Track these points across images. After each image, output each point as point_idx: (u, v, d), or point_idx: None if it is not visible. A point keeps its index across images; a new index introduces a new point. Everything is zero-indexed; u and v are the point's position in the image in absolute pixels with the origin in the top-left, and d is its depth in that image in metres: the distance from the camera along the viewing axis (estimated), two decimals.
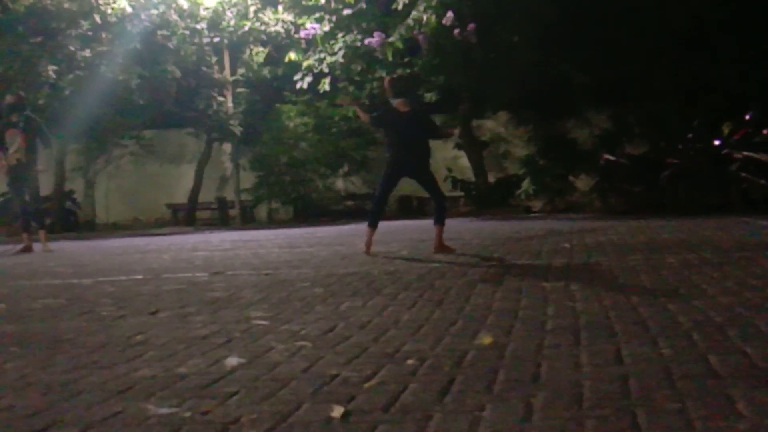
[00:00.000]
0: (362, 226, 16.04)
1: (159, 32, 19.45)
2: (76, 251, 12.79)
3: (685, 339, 3.56)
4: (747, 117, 14.79)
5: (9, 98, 12.73)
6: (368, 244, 8.89)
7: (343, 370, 3.29)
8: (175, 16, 19.58)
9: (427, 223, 16.70)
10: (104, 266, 9.41)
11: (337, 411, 2.68)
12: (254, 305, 5.35)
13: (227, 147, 22.69)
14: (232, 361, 3.58)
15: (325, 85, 19.23)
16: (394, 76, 9.80)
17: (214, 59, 21.01)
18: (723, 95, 16.33)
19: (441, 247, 8.75)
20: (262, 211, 23.07)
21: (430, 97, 19.17)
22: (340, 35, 19.10)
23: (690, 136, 15.74)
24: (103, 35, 18.91)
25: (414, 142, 8.88)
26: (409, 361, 3.39)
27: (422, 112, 9.57)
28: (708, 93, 16.59)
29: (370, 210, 9.39)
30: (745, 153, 14.27)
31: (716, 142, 15.16)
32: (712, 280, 5.43)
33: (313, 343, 3.91)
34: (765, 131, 14.33)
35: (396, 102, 8.94)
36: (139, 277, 7.75)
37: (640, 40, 16.80)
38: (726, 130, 15.17)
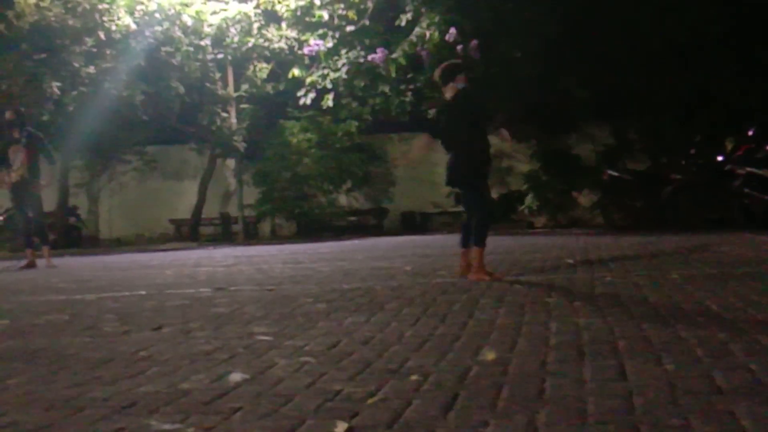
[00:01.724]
0: (367, 242, 16.05)
1: (163, 49, 19.50)
2: (80, 267, 12.80)
3: (689, 355, 3.56)
4: (749, 132, 14.79)
5: (8, 114, 12.73)
6: (481, 266, 7.44)
7: (347, 386, 3.28)
8: (179, 33, 19.64)
9: (430, 239, 16.78)
10: (107, 282, 9.42)
11: (341, 427, 2.68)
12: (257, 321, 5.35)
13: (231, 162, 22.73)
14: (236, 377, 3.58)
15: (329, 101, 19.30)
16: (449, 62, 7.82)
17: (217, 75, 21.05)
18: (724, 110, 16.35)
19: (481, 270, 7.44)
20: (265, 227, 23.08)
21: (433, 113, 19.20)
22: (343, 51, 19.17)
23: (692, 151, 15.75)
24: (107, 52, 18.95)
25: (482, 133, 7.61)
26: (413, 377, 3.39)
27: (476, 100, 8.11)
28: (709, 107, 16.61)
29: (485, 225, 7.56)
30: (748, 168, 14.27)
31: (719, 158, 15.16)
32: (715, 295, 5.43)
33: (316, 359, 3.90)
34: (767, 147, 14.33)
35: (461, 80, 7.49)
36: (143, 292, 7.75)
37: (640, 55, 16.84)
38: (729, 146, 15.18)
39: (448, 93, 7.46)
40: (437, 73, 7.64)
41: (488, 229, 7.51)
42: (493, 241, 14.45)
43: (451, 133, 7.39)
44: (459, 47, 17.21)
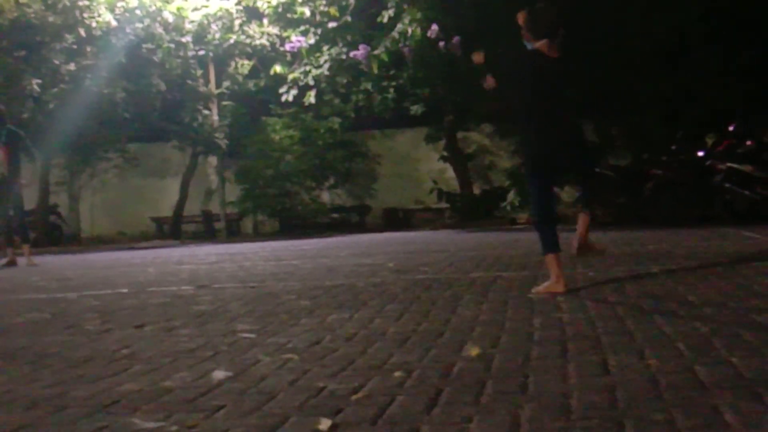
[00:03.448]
0: (349, 239, 16.02)
1: (144, 46, 19.43)
2: (61, 265, 12.73)
3: (671, 350, 3.57)
4: (730, 128, 14.87)
5: None
6: (558, 277, 5.79)
7: (330, 383, 3.28)
8: (160, 30, 19.57)
9: (413, 235, 16.80)
10: (89, 280, 9.37)
11: (324, 424, 2.67)
12: (240, 318, 5.34)
13: (213, 160, 22.69)
14: (219, 374, 3.57)
15: (311, 97, 19.29)
16: (534, 7, 6.09)
17: (199, 72, 20.99)
18: (706, 107, 16.42)
19: (586, 245, 6.21)
20: (247, 224, 23.06)
21: (415, 109, 19.23)
22: (325, 48, 19.15)
23: (674, 147, 15.81)
24: (88, 49, 18.87)
25: (566, 106, 6.11)
26: (397, 374, 3.39)
27: (573, 63, 6.55)
28: (691, 105, 16.67)
29: (538, 225, 6.03)
30: (729, 164, 14.33)
31: (700, 154, 15.23)
32: (696, 290, 5.45)
33: (299, 356, 3.90)
34: (748, 142, 14.41)
35: (540, 44, 5.91)
36: (125, 290, 7.71)
37: (622, 53, 16.88)
38: (710, 142, 15.25)
39: (532, 45, 5.99)
40: (523, 19, 6.04)
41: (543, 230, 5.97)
42: (476, 237, 14.54)
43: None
44: (441, 44, 17.22)
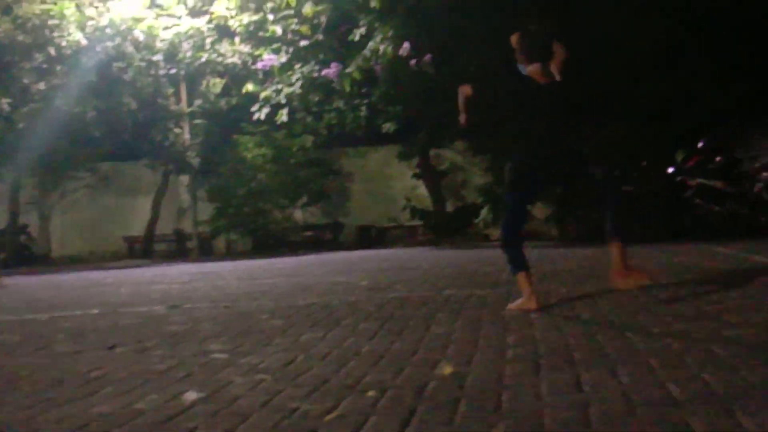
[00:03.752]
0: (323, 257, 15.99)
1: (115, 64, 19.37)
2: (31, 286, 12.61)
3: (644, 366, 3.58)
4: (700, 144, 15.00)
5: None
6: (529, 294, 5.83)
7: (303, 403, 3.26)
8: (131, 48, 19.52)
9: (387, 253, 16.79)
10: (60, 301, 9.29)
11: None
12: (213, 338, 5.31)
13: (184, 179, 22.61)
14: (191, 395, 3.54)
15: (283, 116, 19.29)
16: (527, 29, 6.22)
17: (170, 91, 20.94)
18: (676, 122, 16.56)
19: (626, 272, 6.10)
20: (220, 243, 22.97)
21: (388, 127, 19.28)
22: (297, 66, 19.18)
23: (644, 163, 15.93)
24: (58, 68, 18.79)
25: (559, 129, 6.00)
26: (370, 393, 3.38)
27: (571, 85, 6.20)
28: (661, 121, 16.80)
29: (505, 246, 6.06)
30: (699, 180, 14.46)
31: (670, 170, 15.35)
32: (668, 306, 5.48)
33: (272, 376, 3.88)
34: (718, 158, 14.55)
35: (532, 68, 6.04)
36: (96, 311, 7.65)
37: (592, 71, 16.99)
38: (679, 157, 15.38)
39: (525, 69, 6.06)
40: (517, 41, 6.16)
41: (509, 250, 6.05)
42: (449, 254, 14.56)
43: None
44: (413, 61, 17.29)
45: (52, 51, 18.47)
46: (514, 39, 6.12)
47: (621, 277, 5.95)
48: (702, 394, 3.02)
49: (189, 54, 20.42)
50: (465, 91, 6.16)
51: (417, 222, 21.20)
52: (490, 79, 6.23)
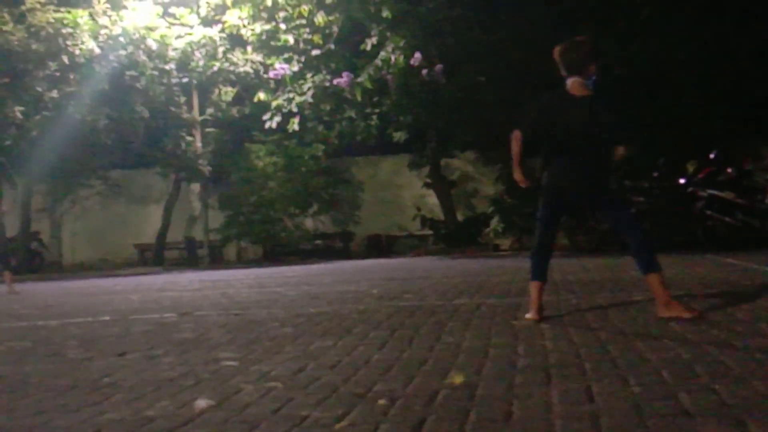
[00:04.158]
0: (333, 266, 16.00)
1: (127, 73, 19.44)
2: (43, 293, 12.65)
3: (655, 376, 3.57)
4: (711, 156, 14.98)
5: None
6: (536, 304, 5.86)
7: (314, 411, 3.26)
8: (143, 57, 19.59)
9: (397, 262, 16.78)
10: (71, 308, 9.31)
11: None
12: (223, 346, 5.31)
13: (196, 187, 22.64)
14: (201, 403, 3.54)
15: (294, 124, 19.31)
16: (572, 41, 6.03)
17: (182, 99, 21.01)
18: (687, 134, 16.54)
19: (670, 304, 5.56)
20: (231, 251, 22.98)
21: (399, 136, 19.30)
22: (309, 75, 19.20)
23: (655, 174, 15.90)
24: (71, 76, 18.86)
25: (591, 146, 5.77)
26: (380, 402, 3.38)
27: (605, 100, 5.97)
28: (672, 132, 16.79)
29: (531, 257, 6.07)
30: (710, 191, 14.43)
31: (681, 181, 15.32)
32: (679, 317, 5.45)
33: (283, 384, 3.88)
34: (729, 170, 14.52)
35: (572, 81, 5.92)
36: (107, 318, 7.67)
37: (604, 80, 17.00)
38: (691, 169, 15.34)
39: (566, 82, 5.96)
40: (559, 54, 5.98)
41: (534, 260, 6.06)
42: (459, 264, 14.53)
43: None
44: (424, 72, 17.33)
45: (65, 59, 18.54)
46: (556, 51, 5.98)
47: (667, 307, 5.54)
48: (713, 404, 3.01)
49: (201, 63, 20.48)
50: (517, 136, 6.00)
51: (427, 231, 21.19)
52: (530, 100, 5.96)
